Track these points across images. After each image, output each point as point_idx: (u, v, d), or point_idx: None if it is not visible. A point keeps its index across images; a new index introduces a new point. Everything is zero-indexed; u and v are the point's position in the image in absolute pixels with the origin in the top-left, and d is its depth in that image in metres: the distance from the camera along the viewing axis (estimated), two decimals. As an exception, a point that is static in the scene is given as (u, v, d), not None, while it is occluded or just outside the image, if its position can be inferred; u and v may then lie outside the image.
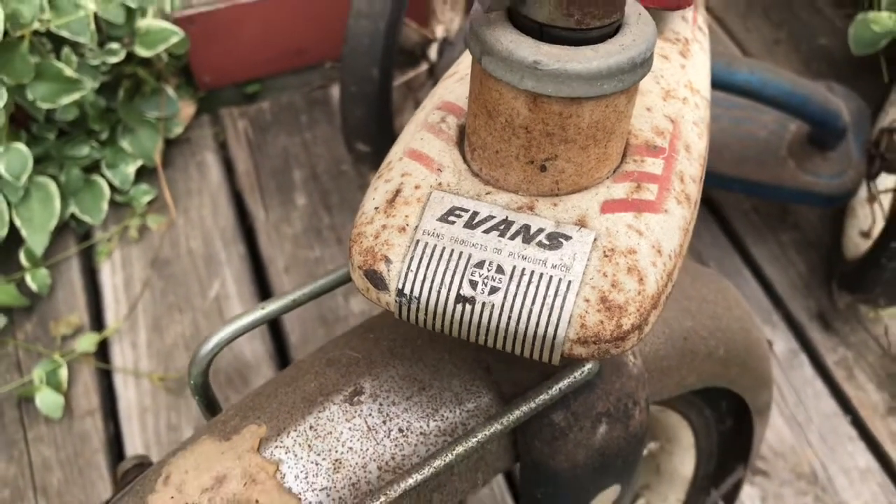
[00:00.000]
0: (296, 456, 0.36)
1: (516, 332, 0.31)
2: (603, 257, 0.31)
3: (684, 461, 0.66)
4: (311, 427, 0.36)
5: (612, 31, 0.31)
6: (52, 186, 1.04)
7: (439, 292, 0.31)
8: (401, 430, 0.37)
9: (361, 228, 0.33)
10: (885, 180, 1.02)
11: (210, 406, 0.42)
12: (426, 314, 0.31)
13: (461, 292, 0.31)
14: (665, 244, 0.32)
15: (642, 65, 0.30)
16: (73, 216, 1.10)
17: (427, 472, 0.34)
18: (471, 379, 0.38)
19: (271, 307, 0.39)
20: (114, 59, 1.02)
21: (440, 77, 0.88)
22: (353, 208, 1.14)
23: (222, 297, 1.08)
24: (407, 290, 0.31)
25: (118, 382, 1.01)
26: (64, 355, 1.00)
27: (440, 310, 0.31)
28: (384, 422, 0.37)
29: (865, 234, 1.02)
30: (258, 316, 0.39)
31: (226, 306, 1.07)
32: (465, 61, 0.40)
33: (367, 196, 0.34)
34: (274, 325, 1.05)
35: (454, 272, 0.31)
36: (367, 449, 0.36)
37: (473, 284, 0.31)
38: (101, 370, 1.01)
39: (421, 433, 0.37)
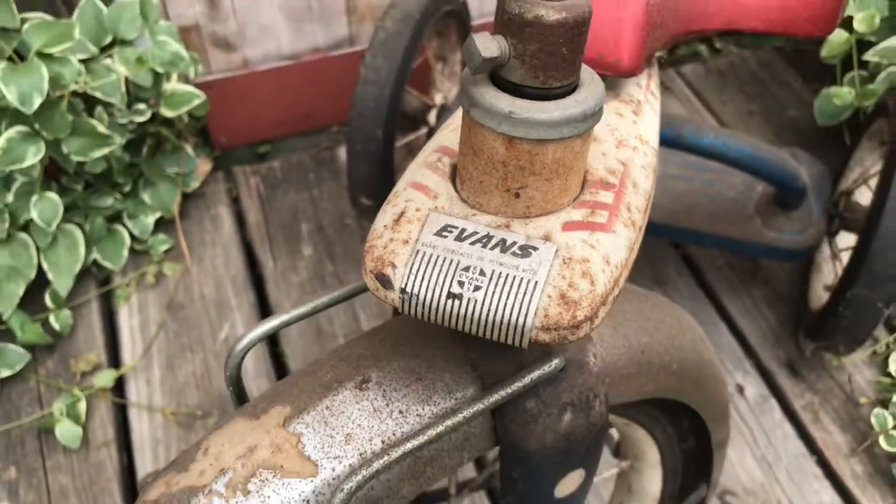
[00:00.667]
0: (314, 430, 0.44)
1: (494, 321, 0.39)
2: (562, 264, 0.40)
3: (652, 479, 0.73)
4: (326, 408, 0.44)
5: (570, 89, 0.40)
6: (78, 234, 1.13)
7: (434, 290, 0.39)
8: (400, 412, 0.45)
9: (373, 242, 0.41)
10: (845, 238, 1.11)
11: (240, 396, 0.49)
12: (423, 308, 0.40)
13: (451, 290, 0.39)
14: (613, 256, 0.41)
15: (592, 116, 0.39)
16: (95, 262, 1.18)
17: (421, 440, 0.42)
18: (459, 372, 0.46)
19: (295, 312, 0.48)
20: (140, 119, 1.12)
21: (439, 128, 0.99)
22: (355, 258, 1.23)
23: (232, 340, 1.15)
24: (408, 289, 0.40)
25: (133, 416, 1.08)
26: (83, 390, 1.07)
27: (434, 304, 0.40)
28: (387, 405, 0.45)
29: (829, 288, 1.11)
30: (284, 319, 0.47)
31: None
32: (456, 117, 0.49)
33: (378, 218, 0.43)
34: (273, 343, 1.12)
35: (446, 274, 0.40)
36: (373, 426, 0.44)
37: (461, 284, 0.39)
38: (116, 404, 1.08)
39: (417, 415, 0.45)
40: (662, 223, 1.06)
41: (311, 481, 0.42)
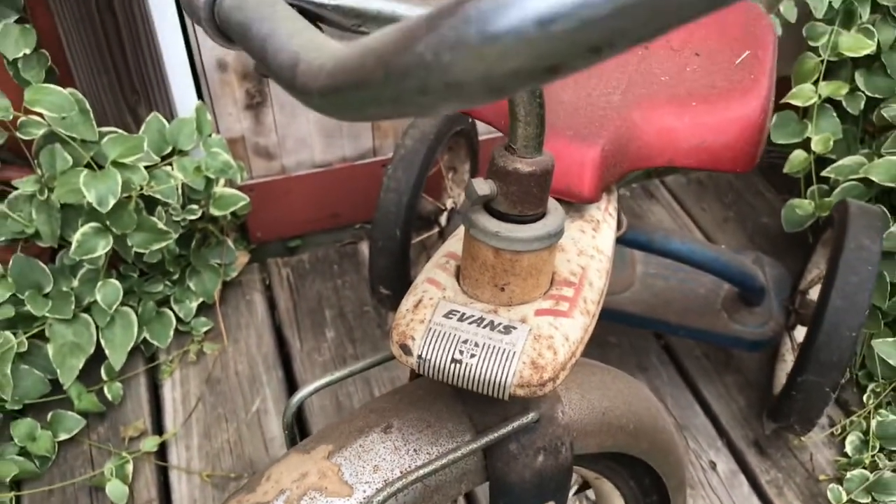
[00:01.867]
0: (351, 462, 0.59)
1: (484, 380, 0.55)
2: (534, 340, 0.55)
3: (622, 530, 0.87)
4: (360, 446, 0.60)
5: (540, 216, 0.56)
6: (132, 315, 1.29)
7: (441, 357, 0.55)
8: (415, 451, 0.60)
9: (398, 321, 0.57)
10: (802, 332, 1.26)
11: (293, 439, 0.65)
12: (434, 370, 0.56)
13: (454, 357, 0.55)
14: (571, 335, 0.57)
15: (555, 235, 0.56)
16: (144, 340, 1.34)
17: (429, 469, 0.57)
18: (458, 422, 0.61)
19: (337, 374, 0.63)
20: (192, 217, 1.30)
21: (448, 237, 1.16)
22: (373, 341, 1.39)
23: (262, 412, 1.30)
24: (423, 356, 0.56)
25: (173, 478, 1.22)
26: (130, 454, 1.22)
27: (442, 367, 0.55)
28: (405, 444, 0.60)
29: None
30: (329, 379, 0.63)
31: (264, 420, 1.29)
32: (460, 231, 0.65)
33: (402, 303, 0.59)
34: (299, 417, 1.27)
35: (450, 345, 0.56)
36: (394, 460, 0.59)
37: (461, 353, 0.55)
38: (159, 467, 1.23)
39: (427, 453, 0.60)
40: (642, 315, 1.22)
41: (348, 500, 0.57)
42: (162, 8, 1.22)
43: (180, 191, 1.27)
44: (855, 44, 1.39)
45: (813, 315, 1.08)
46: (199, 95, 1.35)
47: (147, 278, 1.36)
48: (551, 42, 0.21)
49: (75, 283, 1.26)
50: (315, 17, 0.42)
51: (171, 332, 1.35)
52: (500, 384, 0.55)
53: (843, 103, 1.46)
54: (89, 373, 1.29)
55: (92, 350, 1.26)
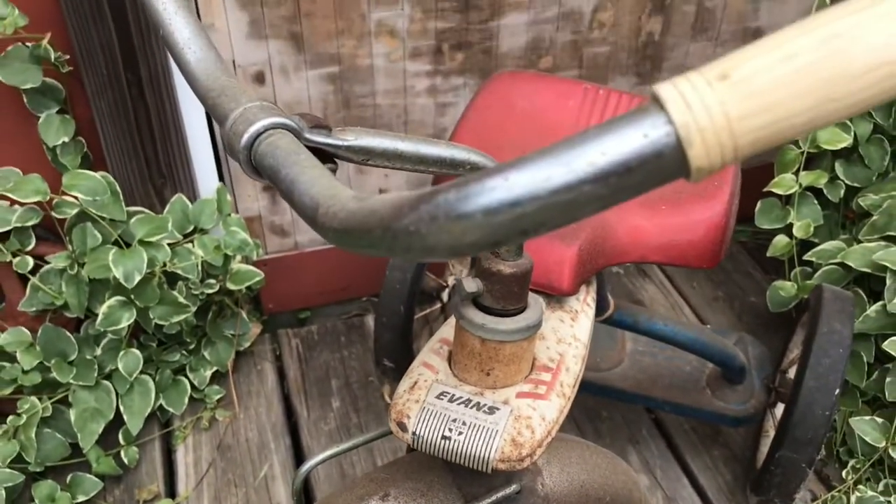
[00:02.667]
0: (352, 526, 0.66)
1: (471, 455, 0.62)
2: (515, 420, 0.63)
3: None
4: (360, 511, 0.67)
5: (521, 310, 0.65)
6: (150, 383, 1.37)
7: (433, 433, 0.63)
8: (409, 516, 0.67)
9: (396, 401, 0.65)
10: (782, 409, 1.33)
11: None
12: (426, 445, 0.63)
13: (444, 434, 0.63)
14: (547, 416, 0.65)
15: (534, 327, 0.64)
16: (160, 406, 1.42)
17: (422, 533, 0.64)
18: (448, 492, 0.69)
19: (342, 446, 0.71)
20: (210, 291, 1.39)
21: (449, 314, 1.25)
22: (376, 411, 1.46)
23: (269, 478, 1.37)
24: (417, 432, 0.63)
25: (184, 540, 1.28)
26: (144, 516, 1.28)
27: (433, 443, 0.63)
28: (400, 511, 0.67)
29: (773, 451, 1.32)
30: (334, 451, 0.71)
31: (272, 485, 1.36)
32: (452, 321, 0.74)
33: (400, 384, 0.67)
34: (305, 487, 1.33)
35: (441, 424, 0.63)
36: (391, 525, 0.67)
37: (450, 430, 0.63)
38: (171, 529, 1.29)
39: (420, 519, 0.67)
40: (630, 391, 1.29)
41: (349, 560, 0.64)
42: (190, 99, 1.33)
43: (200, 267, 1.36)
44: (832, 137, 1.49)
45: (789, 394, 1.15)
46: (221, 178, 1.45)
47: (165, 348, 1.45)
48: (493, 227, 0.30)
49: (98, 351, 1.35)
50: (332, 155, 0.52)
51: (186, 400, 1.43)
52: (484, 459, 0.62)
53: (825, 191, 1.55)
54: (107, 437, 1.36)
55: (112, 415, 1.33)
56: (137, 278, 1.23)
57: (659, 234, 0.80)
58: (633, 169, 0.30)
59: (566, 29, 1.45)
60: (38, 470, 1.30)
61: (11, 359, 1.30)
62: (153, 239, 1.27)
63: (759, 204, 1.55)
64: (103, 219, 1.27)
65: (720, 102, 0.29)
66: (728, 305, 1.68)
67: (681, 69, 1.54)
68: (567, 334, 0.73)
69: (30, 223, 1.27)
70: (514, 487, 0.68)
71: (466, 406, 0.64)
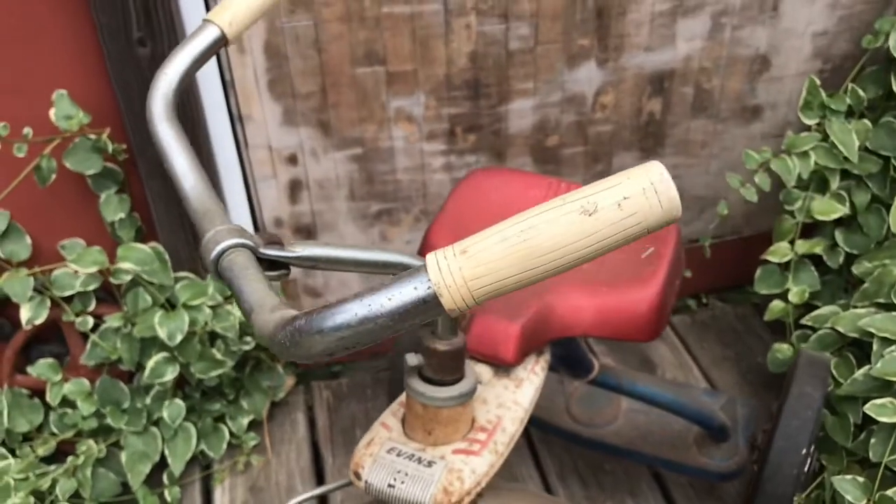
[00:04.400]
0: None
1: (409, 501, 0.75)
2: (448, 472, 0.76)
3: None
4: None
5: (458, 380, 0.78)
6: (193, 430, 1.54)
7: (381, 482, 0.77)
8: (367, 552, 0.80)
9: (356, 453, 0.79)
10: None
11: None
12: (376, 491, 0.77)
13: (390, 483, 0.76)
14: (477, 470, 0.77)
15: (468, 395, 0.77)
16: (201, 451, 1.58)
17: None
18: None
19: (316, 492, 0.85)
20: (247, 348, 1.55)
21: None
22: (394, 460, 1.59)
23: (296, 518, 1.51)
24: (369, 481, 0.77)
25: (216, 572, 1.43)
26: (182, 549, 1.44)
27: (381, 490, 0.77)
28: (360, 547, 0.81)
29: None
30: (308, 496, 0.85)
31: (297, 525, 1.50)
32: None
33: (361, 440, 0.81)
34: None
35: (388, 474, 0.77)
36: (350, 558, 0.80)
37: (395, 479, 0.76)
38: (206, 562, 1.44)
39: (376, 554, 0.80)
40: (622, 447, 1.40)
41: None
42: (231, 176, 1.51)
43: (237, 327, 1.53)
44: (827, 208, 1.58)
45: (761, 453, 1.24)
46: (259, 245, 1.62)
47: (207, 398, 1.61)
48: (326, 343, 0.44)
49: (148, 400, 1.52)
50: (285, 264, 0.66)
51: (225, 445, 1.59)
52: (420, 504, 0.76)
53: (824, 258, 1.63)
54: (154, 477, 1.53)
55: (158, 458, 1.50)
56: (180, 338, 1.40)
57: (598, 312, 0.92)
58: (409, 309, 0.43)
59: (570, 111, 1.59)
60: (94, 505, 1.47)
61: (73, 405, 1.48)
62: (195, 302, 1.45)
63: (758, 271, 1.64)
64: (153, 284, 1.45)
65: (459, 269, 0.42)
66: (735, 365, 1.77)
67: (683, 144, 1.67)
68: (508, 399, 0.86)
69: (90, 288, 1.46)
70: (455, 531, 0.81)
71: (410, 460, 0.78)
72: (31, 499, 1.40)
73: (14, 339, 1.54)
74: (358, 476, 0.77)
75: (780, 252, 1.59)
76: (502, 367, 0.89)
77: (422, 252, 1.04)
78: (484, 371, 0.88)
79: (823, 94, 1.59)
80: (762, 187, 1.56)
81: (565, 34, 1.50)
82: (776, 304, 1.61)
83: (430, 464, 0.77)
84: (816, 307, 1.60)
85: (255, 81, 1.43)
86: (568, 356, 1.20)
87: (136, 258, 1.40)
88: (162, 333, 1.39)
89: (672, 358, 1.78)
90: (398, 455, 0.78)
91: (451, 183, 1.62)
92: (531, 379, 0.90)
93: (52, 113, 1.30)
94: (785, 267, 1.63)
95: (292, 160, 1.54)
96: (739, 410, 1.44)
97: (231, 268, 0.61)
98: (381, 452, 0.78)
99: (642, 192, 0.40)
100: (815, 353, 1.35)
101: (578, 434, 1.42)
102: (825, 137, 1.58)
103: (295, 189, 1.58)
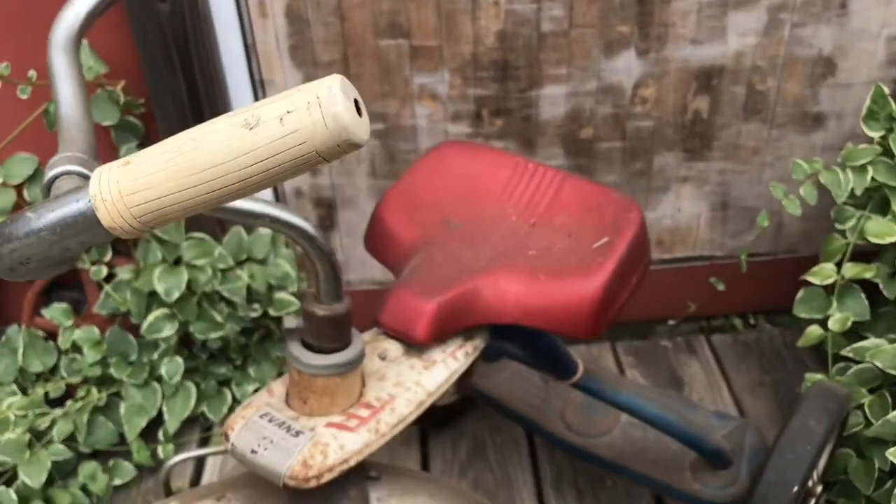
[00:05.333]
0: (185, 518, 0.77)
1: (268, 469, 0.71)
2: (313, 445, 0.71)
3: None
4: (197, 507, 0.77)
5: (338, 349, 0.73)
6: (193, 390, 1.54)
7: (245, 446, 0.73)
8: (236, 518, 0.77)
9: (230, 417, 0.75)
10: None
11: (168, 493, 0.84)
12: (239, 455, 0.73)
13: (253, 448, 0.72)
14: (347, 446, 0.72)
15: (345, 366, 0.72)
16: (202, 413, 1.59)
17: (231, 533, 0.73)
18: (276, 497, 0.78)
19: (201, 452, 0.82)
20: (254, 315, 1.55)
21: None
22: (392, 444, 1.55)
23: (281, 491, 1.49)
24: (235, 443, 0.73)
25: (192, 533, 1.43)
26: (165, 506, 1.45)
27: (243, 455, 0.72)
28: (230, 512, 0.77)
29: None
30: (192, 454, 0.82)
31: (281, 498, 1.48)
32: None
33: (244, 402, 0.77)
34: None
35: (254, 439, 0.73)
36: (218, 523, 0.76)
37: (259, 445, 0.72)
38: (184, 521, 1.45)
39: (245, 522, 0.77)
40: (612, 460, 1.30)
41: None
42: (252, 143, 1.51)
43: (245, 292, 1.52)
44: (883, 230, 1.42)
45: (750, 486, 1.13)
46: (280, 215, 1.62)
47: (213, 361, 1.62)
48: (2, 256, 0.41)
49: (154, 356, 1.54)
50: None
51: (226, 409, 1.59)
52: (277, 474, 0.71)
53: (881, 286, 1.47)
54: (152, 433, 1.54)
55: (154, 413, 1.51)
56: (177, 294, 1.40)
57: (533, 300, 0.85)
58: (69, 223, 0.39)
59: (607, 102, 1.50)
60: (86, 451, 1.50)
61: (82, 352, 1.52)
62: (199, 262, 1.45)
63: (801, 292, 1.50)
64: (164, 240, 1.46)
65: (117, 182, 0.38)
66: (772, 393, 1.62)
67: (733, 149, 1.55)
68: (410, 380, 0.80)
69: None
70: (325, 510, 0.76)
71: (280, 427, 0.73)
72: (28, 436, 1.44)
73: (36, 282, 1.59)
74: (227, 437, 0.74)
75: (822, 273, 1.45)
76: (415, 346, 0.84)
77: (371, 222, 0.99)
78: (393, 347, 0.83)
79: (893, 105, 1.44)
80: (807, 200, 1.42)
81: (602, 19, 1.41)
82: (813, 330, 1.46)
83: (297, 433, 0.72)
84: (865, 338, 1.45)
85: (277, 46, 1.42)
86: (544, 353, 1.12)
87: (141, 212, 1.42)
88: (160, 288, 1.40)
89: (703, 377, 1.66)
90: (270, 421, 0.74)
91: (476, 168, 1.56)
92: (447, 363, 0.84)
93: (69, 61, 1.33)
94: (829, 290, 1.48)
95: (313, 130, 1.52)
96: (749, 438, 1.31)
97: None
98: (255, 417, 0.74)
99: (306, 106, 0.34)
100: (833, 385, 1.22)
101: (567, 441, 1.33)
102: (888, 152, 1.42)
103: (315, 160, 1.56)
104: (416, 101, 1.48)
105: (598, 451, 1.32)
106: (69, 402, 1.49)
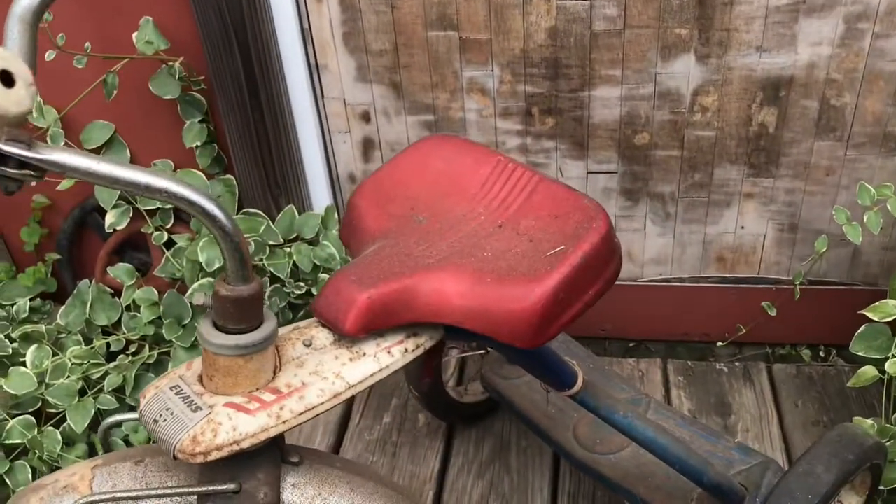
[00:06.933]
0: (102, 476, 0.80)
1: (162, 440, 0.73)
2: (206, 422, 0.73)
3: None
4: (114, 468, 0.81)
5: (243, 331, 0.74)
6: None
7: (150, 416, 0.75)
8: (146, 483, 0.79)
9: (150, 384, 0.78)
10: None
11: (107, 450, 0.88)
12: (145, 423, 0.75)
13: (155, 418, 0.75)
14: (241, 428, 0.73)
15: (247, 348, 0.73)
16: (245, 381, 1.65)
17: (134, 495, 0.76)
18: (191, 473, 0.80)
19: (132, 416, 0.85)
20: (298, 291, 1.59)
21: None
22: (414, 436, 1.55)
23: (304, 466, 1.53)
24: (143, 412, 0.76)
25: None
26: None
27: (148, 423, 0.75)
28: (143, 477, 0.80)
29: None
30: (128, 417, 0.85)
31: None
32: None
33: (164, 374, 0.80)
34: None
35: (158, 410, 0.75)
36: (128, 484, 0.79)
37: (160, 416, 0.74)
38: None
39: (153, 487, 0.79)
40: (615, 480, 1.25)
41: (77, 498, 0.78)
42: (306, 126, 1.55)
43: (290, 269, 1.56)
44: (960, 269, 1.28)
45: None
46: (335, 200, 1.65)
47: (259, 333, 1.67)
48: None
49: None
50: (32, 166, 0.66)
51: (266, 381, 1.64)
52: (168, 446, 0.73)
53: (958, 333, 1.33)
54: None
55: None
56: (217, 265, 1.46)
57: (474, 302, 0.82)
58: None
59: (664, 108, 1.43)
60: (132, 404, 1.59)
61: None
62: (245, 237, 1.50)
63: (862, 328, 1.37)
64: (216, 213, 1.53)
65: None
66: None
67: (803, 167, 1.44)
68: (329, 371, 0.80)
69: (169, 206, 1.57)
70: (230, 486, 0.77)
71: (184, 401, 0.75)
72: (80, 383, 1.55)
73: (108, 241, 1.71)
74: (138, 405, 0.76)
75: (883, 310, 1.32)
76: (345, 336, 0.83)
77: (346, 209, 0.99)
78: (322, 336, 0.82)
79: None
80: (871, 228, 1.30)
81: (659, 20, 1.34)
82: (867, 371, 1.33)
83: (197, 409, 0.74)
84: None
85: (331, 32, 1.45)
86: (532, 361, 1.09)
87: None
88: (202, 258, 1.47)
89: (753, 408, 1.56)
90: (177, 394, 0.76)
91: (526, 166, 1.53)
92: (379, 358, 0.83)
93: (134, 36, 1.41)
94: (894, 329, 1.35)
95: (365, 117, 1.53)
96: (768, 477, 1.22)
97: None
98: (166, 388, 0.76)
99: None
100: (857, 431, 1.11)
101: (572, 453, 1.29)
102: (972, 183, 1.28)
103: (367, 147, 1.58)
104: (465, 94, 1.47)
105: (600, 468, 1.27)
106: (120, 357, 1.59)
